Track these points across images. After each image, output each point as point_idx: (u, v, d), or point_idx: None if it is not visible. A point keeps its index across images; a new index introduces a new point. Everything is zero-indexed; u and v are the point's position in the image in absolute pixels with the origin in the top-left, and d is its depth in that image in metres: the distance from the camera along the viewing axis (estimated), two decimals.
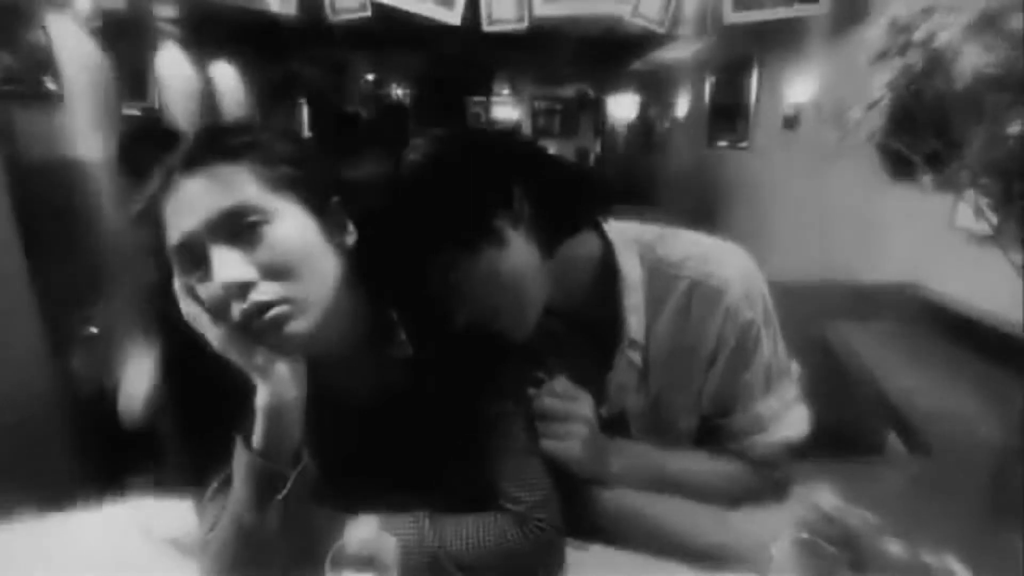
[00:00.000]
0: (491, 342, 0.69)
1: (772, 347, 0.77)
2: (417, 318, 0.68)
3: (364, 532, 0.61)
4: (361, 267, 0.64)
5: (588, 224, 0.77)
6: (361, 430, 0.68)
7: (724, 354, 0.75)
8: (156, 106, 3.59)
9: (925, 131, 0.65)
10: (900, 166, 0.70)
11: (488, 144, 0.73)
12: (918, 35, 0.61)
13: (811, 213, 2.63)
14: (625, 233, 0.79)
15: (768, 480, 0.79)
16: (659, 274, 0.76)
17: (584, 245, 0.76)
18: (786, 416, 0.78)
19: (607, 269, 0.77)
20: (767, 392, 0.77)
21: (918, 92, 0.63)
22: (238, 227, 0.55)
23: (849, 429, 1.23)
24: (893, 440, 1.31)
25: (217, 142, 0.57)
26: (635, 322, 0.76)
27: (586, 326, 0.79)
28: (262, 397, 0.57)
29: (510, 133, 1.78)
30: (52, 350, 1.95)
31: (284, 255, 0.56)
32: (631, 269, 0.76)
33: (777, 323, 0.78)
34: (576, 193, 0.74)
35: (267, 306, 0.54)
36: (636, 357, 0.77)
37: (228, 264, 0.54)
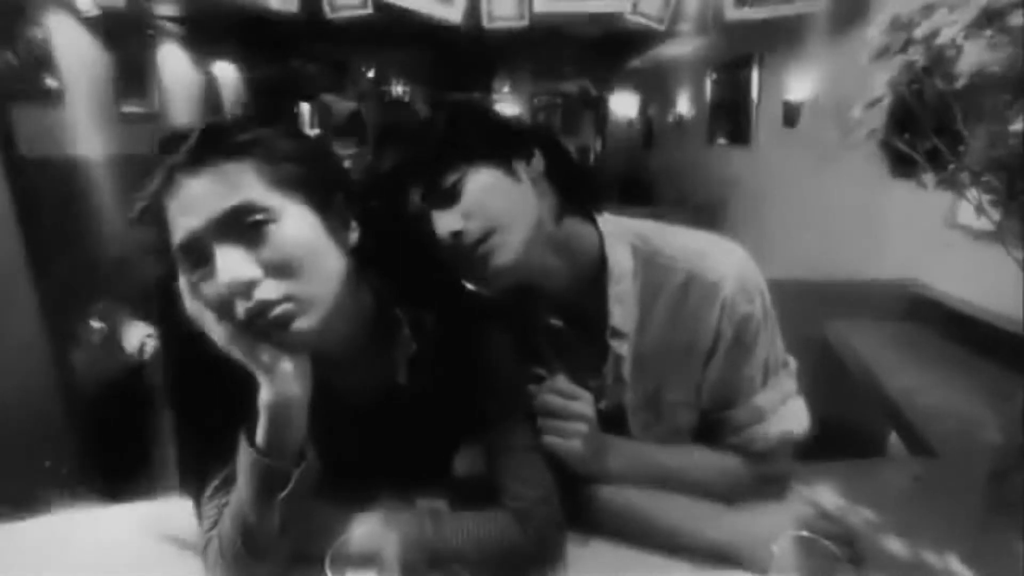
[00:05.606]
0: (463, 296, 0.73)
1: (770, 341, 0.77)
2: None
3: (366, 529, 0.61)
4: (365, 259, 0.64)
5: (585, 213, 0.78)
6: (364, 428, 0.68)
7: (723, 348, 0.75)
8: (156, 105, 3.59)
9: (926, 129, 0.65)
10: (901, 164, 0.70)
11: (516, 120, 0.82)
12: (919, 32, 0.61)
13: (812, 211, 2.63)
14: (619, 226, 0.80)
15: (768, 475, 0.80)
16: (654, 265, 0.77)
17: (586, 231, 0.78)
18: (785, 409, 0.78)
19: (601, 260, 0.77)
20: (766, 386, 0.77)
21: (919, 90, 0.63)
22: (242, 225, 0.54)
23: (849, 428, 1.23)
24: (894, 439, 1.31)
25: (221, 140, 0.56)
26: (619, 311, 0.77)
27: (581, 319, 0.80)
28: (266, 395, 0.57)
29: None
30: (52, 349, 1.96)
31: (288, 253, 0.56)
32: (619, 258, 0.77)
33: (775, 318, 0.78)
34: (578, 181, 0.78)
35: (271, 304, 0.54)
36: (621, 347, 0.78)
37: (232, 262, 0.54)
